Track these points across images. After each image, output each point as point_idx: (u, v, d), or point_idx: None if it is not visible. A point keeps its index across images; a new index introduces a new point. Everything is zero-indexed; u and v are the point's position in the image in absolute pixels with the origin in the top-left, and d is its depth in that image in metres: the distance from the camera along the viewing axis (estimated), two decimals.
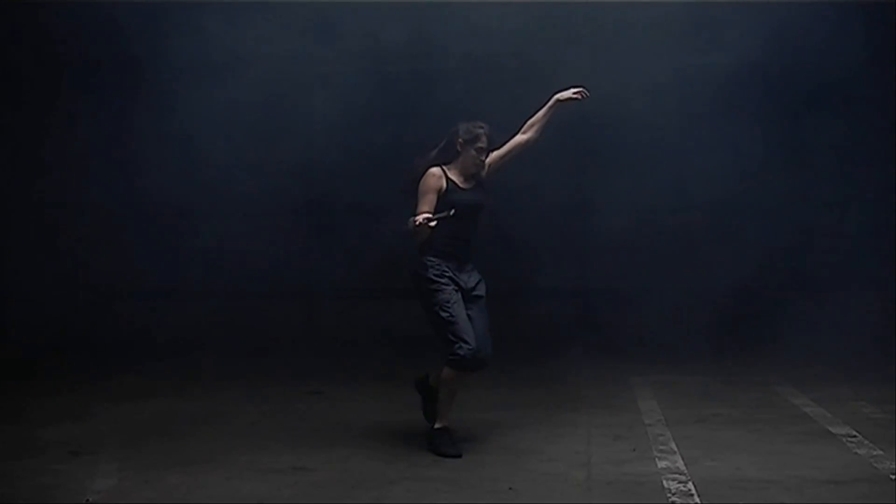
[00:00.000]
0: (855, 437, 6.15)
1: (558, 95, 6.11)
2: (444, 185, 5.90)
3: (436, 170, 5.93)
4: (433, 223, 5.69)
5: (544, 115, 6.12)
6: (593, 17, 10.01)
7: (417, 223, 5.67)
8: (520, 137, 6.16)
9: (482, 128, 5.97)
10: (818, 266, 10.05)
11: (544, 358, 9.00)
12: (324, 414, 7.00)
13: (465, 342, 5.70)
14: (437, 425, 5.95)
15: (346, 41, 10.04)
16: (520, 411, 6.90)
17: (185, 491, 5.24)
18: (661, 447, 5.95)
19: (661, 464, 5.60)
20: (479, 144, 5.94)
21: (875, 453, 5.77)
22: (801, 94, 9.94)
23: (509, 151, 6.14)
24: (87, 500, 5.12)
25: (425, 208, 5.81)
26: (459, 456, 5.79)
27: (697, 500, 4.97)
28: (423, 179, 5.92)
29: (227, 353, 9.37)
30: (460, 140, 5.96)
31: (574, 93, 6.10)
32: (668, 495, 5.05)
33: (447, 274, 5.86)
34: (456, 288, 5.86)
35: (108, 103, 10.35)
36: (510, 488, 5.22)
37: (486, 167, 6.06)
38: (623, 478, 5.36)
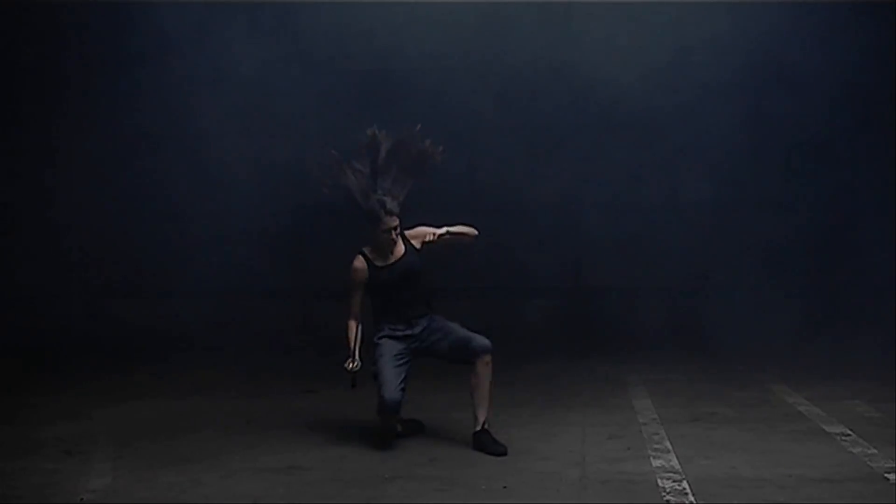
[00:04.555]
0: (849, 435, 6.16)
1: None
2: (366, 274, 6.01)
3: (358, 262, 6.03)
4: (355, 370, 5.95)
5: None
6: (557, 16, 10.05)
7: (348, 369, 5.93)
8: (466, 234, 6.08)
9: (383, 206, 5.90)
10: (813, 264, 10.05)
11: (538, 357, 8.99)
12: (318, 413, 7.00)
13: (382, 391, 5.90)
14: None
15: (325, 42, 10.03)
16: (514, 410, 6.90)
17: (180, 490, 5.23)
18: (656, 446, 5.96)
19: (656, 462, 5.61)
20: (382, 227, 5.92)
21: (869, 452, 5.78)
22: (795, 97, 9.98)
23: (452, 240, 6.06)
24: (81, 499, 5.11)
25: (353, 300, 6.05)
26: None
27: (692, 498, 4.98)
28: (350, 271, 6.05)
29: (221, 352, 9.36)
30: (365, 224, 5.97)
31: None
32: (663, 494, 5.05)
33: (388, 334, 6.03)
34: (396, 340, 6.02)
35: (108, 104, 10.36)
36: (504, 487, 5.22)
37: (424, 237, 6.03)
38: (617, 476, 5.36)
